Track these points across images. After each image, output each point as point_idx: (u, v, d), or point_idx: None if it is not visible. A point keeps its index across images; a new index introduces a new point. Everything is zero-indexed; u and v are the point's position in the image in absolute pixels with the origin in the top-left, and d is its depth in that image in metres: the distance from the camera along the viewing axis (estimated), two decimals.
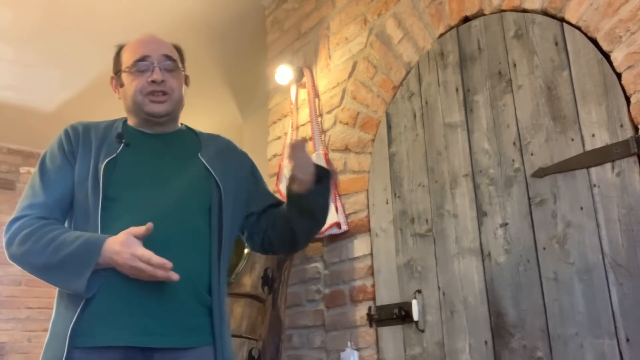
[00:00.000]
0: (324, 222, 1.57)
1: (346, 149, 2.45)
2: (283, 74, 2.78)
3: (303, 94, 2.75)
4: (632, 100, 1.50)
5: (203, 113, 4.37)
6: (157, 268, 1.24)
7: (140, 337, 1.26)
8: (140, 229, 1.26)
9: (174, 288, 1.31)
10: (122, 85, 1.51)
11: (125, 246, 1.25)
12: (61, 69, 3.76)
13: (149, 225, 1.26)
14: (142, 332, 1.26)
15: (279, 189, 2.63)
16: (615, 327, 1.47)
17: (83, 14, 3.21)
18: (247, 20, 3.38)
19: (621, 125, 1.52)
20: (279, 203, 1.60)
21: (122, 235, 1.27)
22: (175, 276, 1.25)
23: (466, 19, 2.02)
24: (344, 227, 2.34)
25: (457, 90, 2.00)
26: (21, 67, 3.73)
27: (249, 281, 2.25)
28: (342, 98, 2.52)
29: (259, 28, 3.36)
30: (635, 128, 1.49)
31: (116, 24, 3.27)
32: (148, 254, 1.24)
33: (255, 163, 1.66)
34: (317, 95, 2.67)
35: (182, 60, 1.58)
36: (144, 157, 1.46)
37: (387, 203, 2.20)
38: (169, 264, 1.24)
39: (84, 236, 1.29)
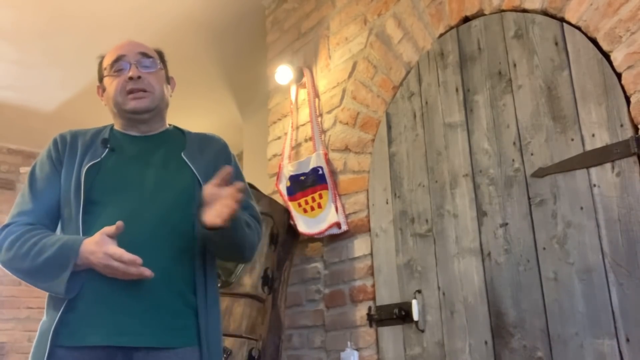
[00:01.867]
0: (246, 250, 1.48)
1: (346, 149, 2.45)
2: (283, 74, 2.78)
3: (303, 94, 2.75)
4: (632, 100, 1.50)
5: (203, 113, 4.37)
6: (129, 265, 1.26)
7: (118, 336, 1.28)
8: (111, 228, 1.28)
9: (156, 288, 1.32)
10: (105, 90, 1.54)
11: (99, 246, 1.27)
12: (61, 69, 3.76)
13: (119, 223, 1.28)
14: (120, 332, 1.28)
15: (279, 188, 2.63)
16: (615, 327, 1.47)
17: (83, 15, 3.21)
18: (247, 20, 3.38)
19: (621, 125, 1.52)
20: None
21: (97, 235, 1.29)
22: (147, 272, 1.27)
23: (466, 19, 2.02)
24: (344, 227, 2.34)
25: (457, 90, 2.00)
26: (22, 67, 3.73)
27: (249, 281, 2.25)
28: (342, 98, 2.52)
29: (259, 28, 3.36)
30: (635, 128, 1.49)
31: (116, 24, 3.27)
32: (119, 251, 1.26)
33: (237, 161, 1.62)
34: (317, 95, 2.67)
35: (164, 62, 1.60)
36: (128, 161, 1.47)
37: (387, 203, 2.20)
38: (139, 259, 1.26)
39: (62, 239, 1.33)
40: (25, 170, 4.97)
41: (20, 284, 4.62)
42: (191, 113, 4.26)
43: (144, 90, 1.48)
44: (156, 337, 1.30)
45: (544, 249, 1.66)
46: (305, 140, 2.69)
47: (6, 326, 4.57)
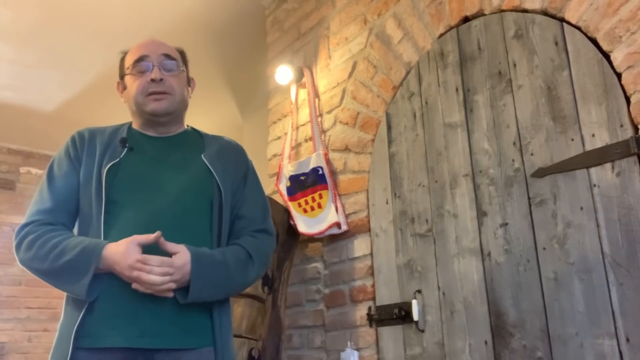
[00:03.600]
0: (232, 285, 1.43)
1: (346, 149, 2.45)
2: (283, 74, 2.78)
3: (303, 94, 2.75)
4: (632, 100, 1.50)
5: (203, 113, 4.37)
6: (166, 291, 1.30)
7: (140, 338, 1.28)
8: (148, 238, 1.30)
9: (175, 290, 1.32)
10: (125, 88, 1.54)
11: (125, 258, 1.28)
12: (61, 68, 3.76)
13: (158, 233, 1.30)
14: (142, 334, 1.29)
15: (279, 188, 2.63)
16: (615, 327, 1.47)
17: (83, 14, 3.21)
18: (247, 20, 3.39)
19: (621, 125, 1.52)
20: (245, 217, 1.51)
21: (125, 245, 1.29)
22: (171, 294, 1.31)
23: (466, 19, 2.02)
24: (344, 227, 2.34)
25: (457, 90, 2.00)
26: (21, 67, 3.73)
27: None
28: (342, 98, 2.52)
29: (259, 28, 3.36)
30: (635, 128, 1.49)
31: (116, 23, 3.27)
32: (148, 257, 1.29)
33: (254, 169, 1.62)
34: (317, 95, 2.67)
35: (185, 63, 1.60)
36: (146, 161, 1.47)
37: (387, 203, 2.20)
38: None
39: (84, 242, 1.33)
40: (25, 170, 4.97)
41: (21, 284, 4.63)
42: (191, 112, 4.23)
43: (165, 93, 1.48)
44: (176, 338, 1.31)
45: (544, 249, 1.66)
46: (305, 140, 2.69)
47: (6, 326, 4.57)
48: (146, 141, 1.52)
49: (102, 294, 1.31)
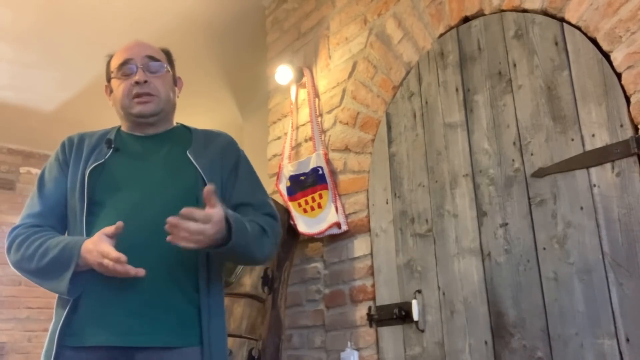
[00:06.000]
0: (254, 254, 1.44)
1: (346, 149, 2.45)
2: (283, 74, 2.78)
3: (303, 94, 2.75)
4: (632, 100, 1.50)
5: (203, 113, 4.37)
6: (116, 263, 1.25)
7: (120, 336, 1.29)
8: (111, 228, 1.29)
9: (158, 288, 1.32)
10: (112, 91, 1.56)
11: (95, 245, 1.29)
12: (60, 68, 3.76)
13: (119, 223, 1.29)
14: (122, 332, 1.29)
15: (279, 188, 2.63)
16: (615, 327, 1.47)
17: (82, 14, 3.21)
18: (247, 20, 3.38)
19: (621, 125, 1.52)
20: (249, 204, 1.50)
21: (95, 235, 1.31)
22: (132, 270, 1.26)
23: (466, 19, 2.02)
24: (344, 227, 2.34)
25: (457, 90, 2.00)
26: (21, 67, 3.73)
27: (249, 281, 2.25)
28: (342, 98, 2.52)
29: (259, 28, 3.36)
30: (635, 128, 1.49)
31: (115, 23, 3.27)
32: (107, 249, 1.26)
33: (246, 158, 1.61)
34: (317, 95, 2.67)
35: (171, 63, 1.61)
36: (131, 161, 1.48)
37: (387, 203, 2.20)
38: (123, 257, 1.25)
39: (65, 240, 1.35)
40: (25, 170, 4.97)
41: (21, 284, 4.62)
42: (191, 113, 4.26)
43: (150, 94, 1.50)
44: (158, 336, 1.31)
45: (544, 249, 1.66)
46: (305, 140, 2.69)
47: (6, 326, 4.57)
48: (133, 141, 1.53)
49: (86, 292, 1.32)
